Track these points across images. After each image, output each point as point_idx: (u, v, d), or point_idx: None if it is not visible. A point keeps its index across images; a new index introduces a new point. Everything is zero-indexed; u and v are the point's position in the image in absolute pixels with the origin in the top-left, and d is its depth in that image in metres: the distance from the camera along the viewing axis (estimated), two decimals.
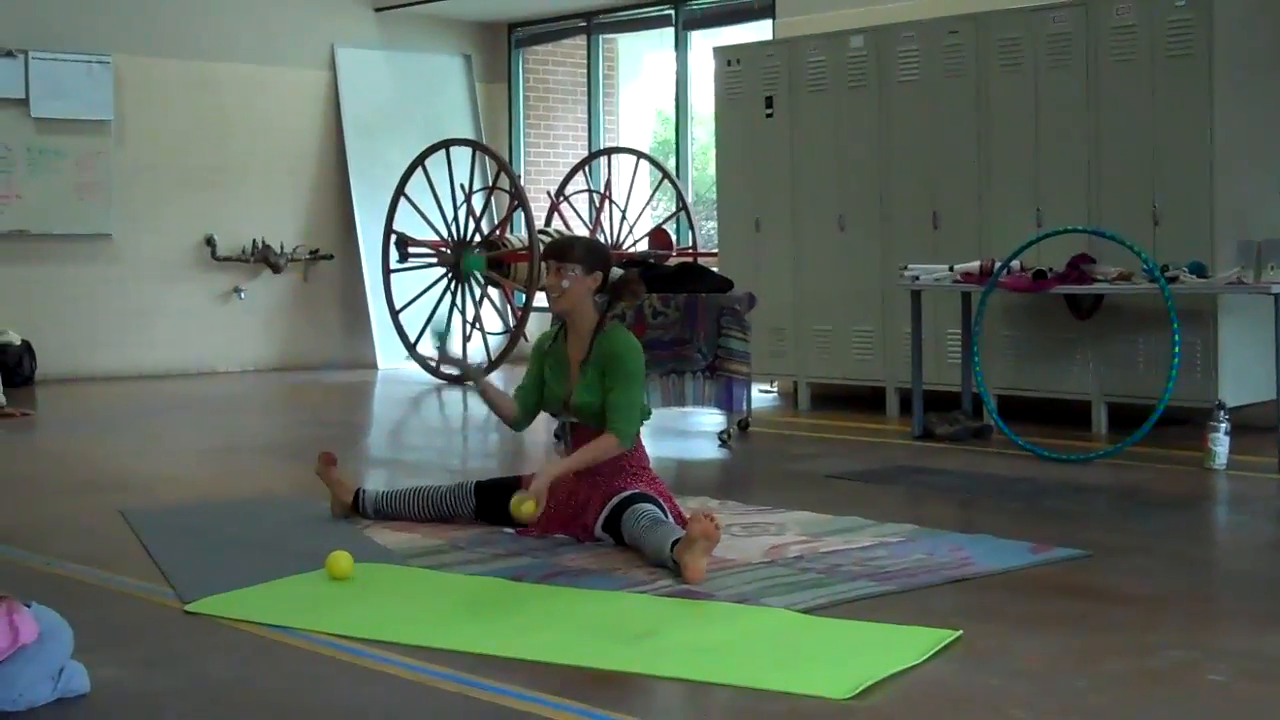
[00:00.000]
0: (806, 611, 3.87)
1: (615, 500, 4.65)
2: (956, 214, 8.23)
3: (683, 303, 7.18)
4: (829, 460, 6.78)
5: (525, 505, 4.59)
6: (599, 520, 4.69)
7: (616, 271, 4.92)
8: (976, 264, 7.38)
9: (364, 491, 5.25)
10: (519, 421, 5.02)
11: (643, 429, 4.90)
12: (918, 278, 7.55)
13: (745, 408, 7.55)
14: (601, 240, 5.18)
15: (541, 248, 10.63)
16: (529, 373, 4.98)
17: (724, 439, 7.35)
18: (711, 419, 8.01)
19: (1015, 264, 7.20)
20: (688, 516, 4.53)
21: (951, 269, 7.48)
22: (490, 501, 5.01)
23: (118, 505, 5.59)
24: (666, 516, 4.59)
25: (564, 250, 4.82)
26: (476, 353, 10.87)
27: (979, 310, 7.16)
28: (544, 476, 4.66)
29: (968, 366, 7.48)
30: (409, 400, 9.98)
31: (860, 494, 5.86)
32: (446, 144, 11.03)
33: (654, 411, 7.52)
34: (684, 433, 7.89)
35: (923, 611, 3.86)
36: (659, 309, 7.16)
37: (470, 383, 5.05)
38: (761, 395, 9.32)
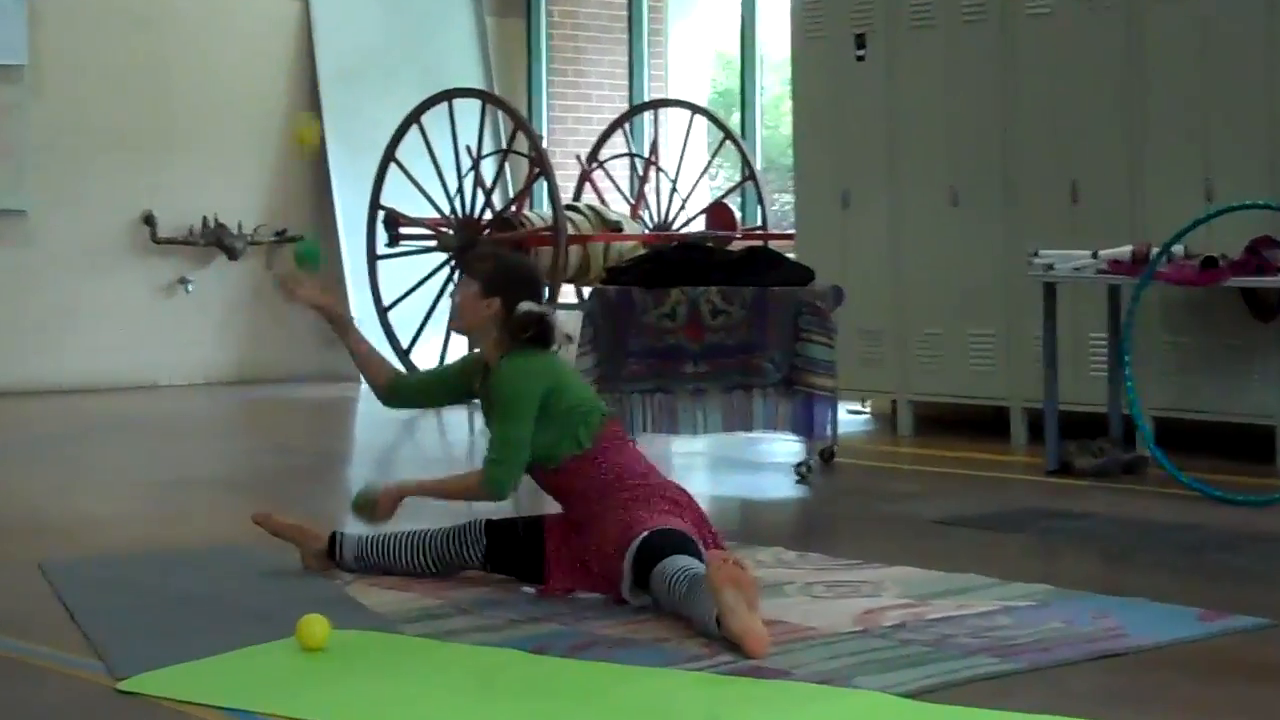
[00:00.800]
0: (909, 695, 3.87)
1: (632, 554, 4.62)
2: (1101, 185, 8.19)
3: (750, 299, 7.18)
4: (937, 501, 6.76)
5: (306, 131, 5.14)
6: (625, 586, 4.67)
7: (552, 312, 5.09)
8: (1128, 249, 7.35)
9: (342, 536, 5.26)
10: (391, 393, 5.32)
11: (652, 453, 4.93)
12: (1052, 266, 7.53)
13: (830, 433, 7.54)
14: (530, 266, 5.40)
15: (570, 227, 10.68)
16: (452, 364, 5.44)
17: (803, 473, 7.35)
18: (787, 447, 7.99)
19: (1178, 249, 7.17)
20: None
21: (1095, 256, 7.45)
22: (504, 545, 5.05)
23: (34, 556, 5.61)
24: (697, 553, 4.57)
25: (469, 260, 5.23)
26: None
27: (1131, 309, 7.13)
28: (393, 487, 5.20)
29: (1116, 381, 7.45)
30: (399, 422, 10.01)
31: (978, 544, 5.85)
32: (449, 95, 11.08)
33: (714, 437, 7.53)
34: (751, 464, 7.87)
35: (1059, 695, 3.85)
36: (720, 307, 7.16)
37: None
38: (851, 417, 9.30)
